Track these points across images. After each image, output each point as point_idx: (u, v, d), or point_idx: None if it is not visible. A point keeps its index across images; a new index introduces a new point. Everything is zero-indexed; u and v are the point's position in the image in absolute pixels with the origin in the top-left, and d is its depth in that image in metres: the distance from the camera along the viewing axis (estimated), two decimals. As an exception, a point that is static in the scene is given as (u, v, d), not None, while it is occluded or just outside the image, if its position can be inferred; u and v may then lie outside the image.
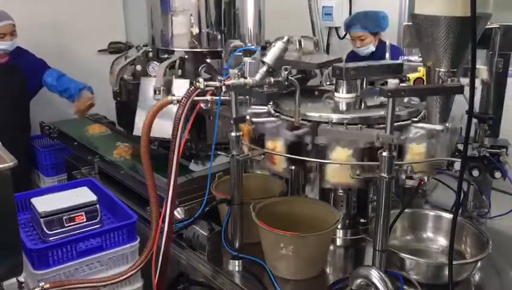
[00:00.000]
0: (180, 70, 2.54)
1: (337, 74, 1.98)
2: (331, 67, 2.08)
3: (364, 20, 3.75)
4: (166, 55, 2.65)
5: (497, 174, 2.02)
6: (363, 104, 2.02)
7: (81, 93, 3.36)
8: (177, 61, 2.55)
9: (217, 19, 2.66)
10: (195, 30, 2.60)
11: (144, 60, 2.69)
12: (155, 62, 2.58)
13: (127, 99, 2.75)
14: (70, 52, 3.91)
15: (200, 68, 2.51)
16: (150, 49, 2.75)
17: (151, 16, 2.80)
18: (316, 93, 2.25)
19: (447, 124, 1.84)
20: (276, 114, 2.00)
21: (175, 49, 2.65)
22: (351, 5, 4.66)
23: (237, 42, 2.40)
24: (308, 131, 1.86)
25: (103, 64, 2.99)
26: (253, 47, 2.22)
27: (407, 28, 2.18)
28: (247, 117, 1.94)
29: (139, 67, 2.66)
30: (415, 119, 1.94)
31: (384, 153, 1.53)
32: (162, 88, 2.38)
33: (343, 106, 2.03)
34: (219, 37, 2.64)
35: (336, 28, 4.77)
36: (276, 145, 1.90)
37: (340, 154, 1.81)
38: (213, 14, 2.65)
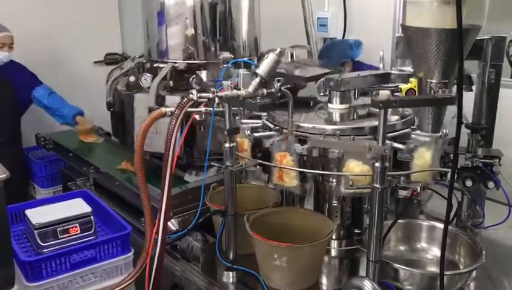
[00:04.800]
0: (171, 82, 2.56)
1: (330, 85, 1.99)
2: (323, 78, 2.09)
3: (331, 51, 3.90)
4: (159, 65, 2.67)
5: (491, 184, 2.02)
6: (355, 115, 2.04)
7: (78, 120, 3.40)
8: (169, 73, 2.56)
9: (212, 30, 2.68)
10: (189, 41, 2.61)
11: (137, 72, 2.70)
12: (147, 74, 2.59)
13: (120, 109, 2.75)
14: (66, 63, 3.92)
15: (191, 79, 2.52)
16: (144, 60, 2.77)
17: (147, 27, 2.82)
18: (310, 104, 2.26)
19: (445, 130, 1.85)
20: (276, 128, 2.00)
21: (168, 60, 2.66)
22: (346, 15, 4.70)
23: (226, 54, 2.42)
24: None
25: (99, 76, 3.00)
26: (245, 59, 2.24)
27: (400, 39, 2.20)
28: (248, 132, 1.94)
29: (132, 78, 2.68)
30: (413, 127, 1.95)
31: (377, 164, 1.53)
32: (155, 107, 2.40)
33: (336, 117, 2.04)
34: (213, 48, 2.65)
35: (331, 39, 4.80)
36: (288, 160, 1.86)
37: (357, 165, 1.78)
38: (208, 25, 2.67)
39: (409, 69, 2.12)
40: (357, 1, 4.64)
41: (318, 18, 4.67)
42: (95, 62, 3.95)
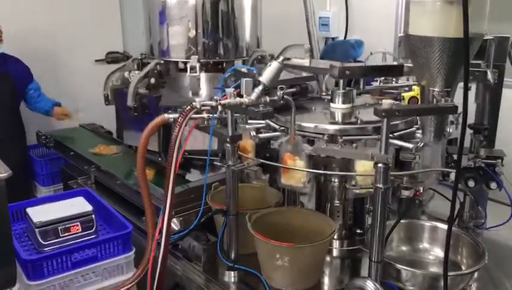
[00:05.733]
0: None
1: (339, 74, 1.97)
2: (327, 76, 2.09)
3: (333, 53, 3.90)
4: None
5: (493, 185, 2.02)
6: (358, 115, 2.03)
7: (55, 109, 3.55)
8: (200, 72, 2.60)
9: (215, 29, 2.69)
10: (192, 41, 2.62)
11: (156, 73, 2.70)
12: None
13: (142, 112, 2.71)
14: (67, 62, 3.92)
15: (226, 76, 2.52)
16: (162, 61, 2.77)
17: (149, 25, 2.82)
18: (314, 103, 2.25)
19: (449, 130, 1.85)
20: (282, 128, 1.99)
21: (170, 59, 2.68)
22: (348, 15, 4.70)
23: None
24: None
25: (100, 74, 3.00)
26: (249, 66, 2.25)
27: (402, 38, 2.19)
28: (253, 133, 1.94)
29: (152, 80, 2.68)
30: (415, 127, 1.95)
31: (380, 164, 1.53)
32: (198, 65, 2.48)
33: (338, 117, 2.03)
34: (230, 45, 2.70)
35: (333, 39, 4.80)
36: (296, 161, 1.83)
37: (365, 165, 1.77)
38: (211, 24, 2.68)
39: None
40: (359, 1, 4.65)
41: (320, 17, 4.68)
42: (96, 61, 3.95)
